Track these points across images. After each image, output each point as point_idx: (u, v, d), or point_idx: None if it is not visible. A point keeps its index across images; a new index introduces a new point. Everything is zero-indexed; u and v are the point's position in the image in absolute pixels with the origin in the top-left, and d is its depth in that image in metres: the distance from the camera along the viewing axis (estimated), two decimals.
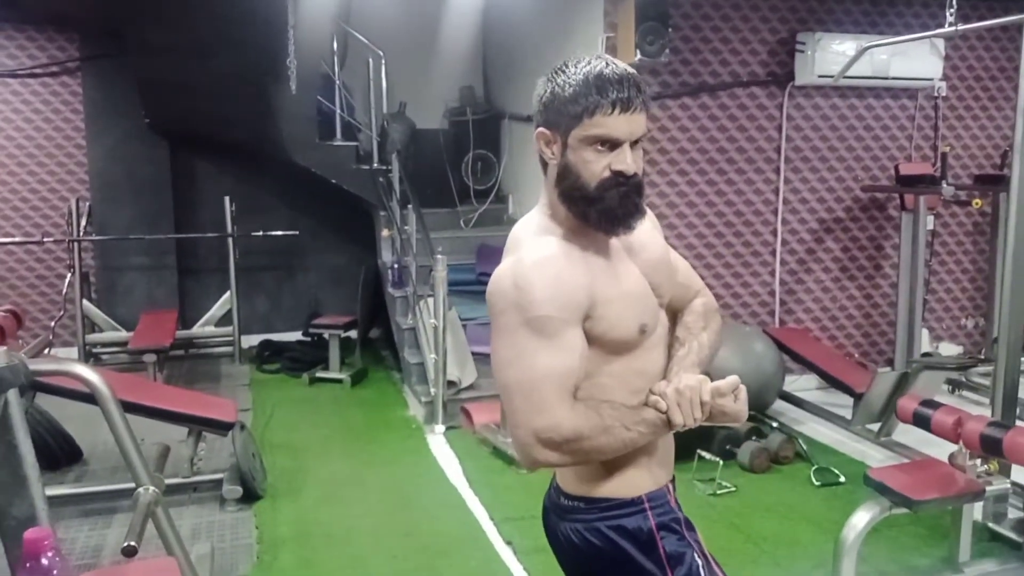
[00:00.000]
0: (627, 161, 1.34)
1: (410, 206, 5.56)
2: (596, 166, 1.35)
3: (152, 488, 2.46)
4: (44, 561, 1.25)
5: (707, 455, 3.91)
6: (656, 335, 1.48)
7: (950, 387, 5.20)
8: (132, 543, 2.26)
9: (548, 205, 1.44)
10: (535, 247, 1.39)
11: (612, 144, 1.34)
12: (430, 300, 4.91)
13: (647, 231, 1.51)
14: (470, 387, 5.01)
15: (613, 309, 1.39)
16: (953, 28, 2.97)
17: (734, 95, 5.17)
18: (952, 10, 3.05)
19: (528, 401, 1.34)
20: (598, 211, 1.37)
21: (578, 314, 1.36)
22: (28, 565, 1.25)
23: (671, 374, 1.46)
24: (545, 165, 1.43)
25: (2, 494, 1.54)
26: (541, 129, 1.39)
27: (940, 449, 3.27)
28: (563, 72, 1.36)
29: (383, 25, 6.32)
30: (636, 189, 1.37)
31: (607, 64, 1.35)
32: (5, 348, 1.58)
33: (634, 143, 1.36)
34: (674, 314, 1.60)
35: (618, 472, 1.44)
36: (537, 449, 1.34)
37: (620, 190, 1.36)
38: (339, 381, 5.77)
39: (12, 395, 1.55)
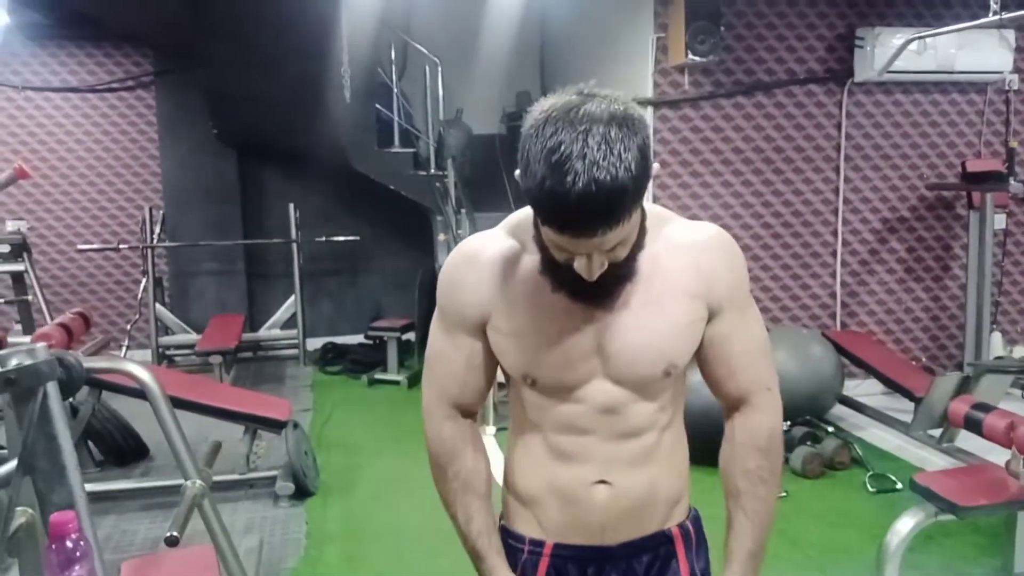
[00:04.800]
0: (586, 271, 1.12)
1: (463, 210, 5.63)
2: (560, 253, 1.15)
3: (199, 482, 2.56)
4: (68, 543, 1.32)
5: None
6: (591, 399, 1.27)
7: (1022, 392, 4.98)
8: (174, 533, 2.37)
9: None
10: (476, 240, 1.32)
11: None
12: None
13: (674, 278, 1.23)
14: None
15: (504, 342, 1.28)
16: (998, 17, 2.87)
17: (790, 93, 5.07)
18: None
19: (427, 375, 1.39)
20: (556, 277, 1.19)
21: (467, 324, 1.30)
22: (54, 546, 1.32)
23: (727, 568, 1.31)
24: None
25: (42, 482, 1.62)
26: (519, 174, 1.11)
27: (1004, 455, 3.13)
28: (539, 137, 1.05)
29: (441, 33, 6.41)
30: (614, 277, 1.17)
31: (578, 167, 1.01)
32: (43, 344, 1.67)
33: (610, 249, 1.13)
34: (726, 405, 1.35)
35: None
36: (426, 421, 1.40)
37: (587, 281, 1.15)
38: (396, 383, 5.88)
39: (51, 388, 1.63)
